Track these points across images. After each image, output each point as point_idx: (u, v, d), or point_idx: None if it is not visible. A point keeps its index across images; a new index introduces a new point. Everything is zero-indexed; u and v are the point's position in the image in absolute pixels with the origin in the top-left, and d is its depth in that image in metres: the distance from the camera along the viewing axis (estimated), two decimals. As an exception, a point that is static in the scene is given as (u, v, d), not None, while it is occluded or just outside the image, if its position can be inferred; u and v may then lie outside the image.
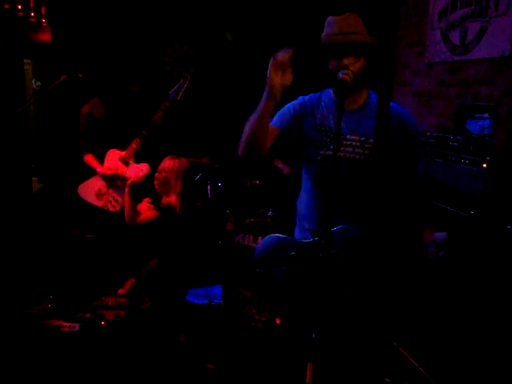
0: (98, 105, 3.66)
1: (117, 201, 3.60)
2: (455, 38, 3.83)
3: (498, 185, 2.73)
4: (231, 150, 4.30)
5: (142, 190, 3.20)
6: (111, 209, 3.61)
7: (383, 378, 2.80)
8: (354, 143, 2.05)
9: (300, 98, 2.21)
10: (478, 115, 3.31)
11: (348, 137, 2.06)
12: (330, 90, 2.17)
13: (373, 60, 2.05)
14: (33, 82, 6.18)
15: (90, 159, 3.65)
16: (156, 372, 2.65)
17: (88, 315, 3.05)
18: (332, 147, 2.05)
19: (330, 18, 2.03)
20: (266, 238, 2.17)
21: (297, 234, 2.29)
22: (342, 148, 2.05)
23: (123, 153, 3.57)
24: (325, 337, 1.46)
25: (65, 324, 3.00)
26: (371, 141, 2.04)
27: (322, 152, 2.07)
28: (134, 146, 3.54)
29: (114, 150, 3.60)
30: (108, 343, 2.90)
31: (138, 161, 3.50)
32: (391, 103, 2.07)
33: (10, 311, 3.25)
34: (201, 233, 4.27)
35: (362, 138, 2.04)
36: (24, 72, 5.18)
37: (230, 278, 3.90)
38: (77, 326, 2.98)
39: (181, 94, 3.57)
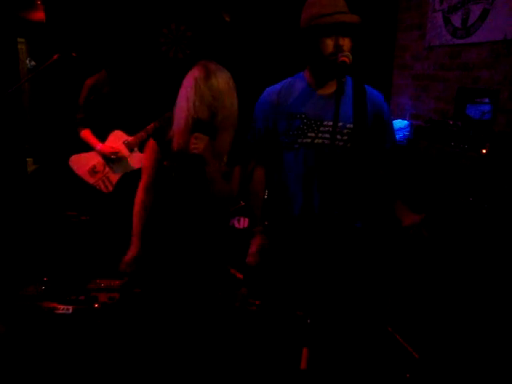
0: (104, 79, 3.59)
1: (111, 182, 3.56)
2: (457, 20, 3.76)
3: (498, 171, 2.70)
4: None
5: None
6: (103, 189, 3.56)
7: (377, 363, 2.81)
8: (331, 129, 2.00)
9: (268, 94, 2.18)
10: (478, 100, 3.27)
11: (325, 123, 2.02)
12: (302, 75, 2.14)
13: (356, 41, 1.99)
14: (27, 61, 6.10)
15: (87, 134, 3.59)
16: (150, 355, 2.63)
17: (82, 297, 3.04)
18: (310, 134, 2.03)
19: None
20: None
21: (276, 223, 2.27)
22: (320, 134, 2.03)
23: (130, 138, 3.52)
24: (320, 321, 1.44)
25: (58, 306, 2.99)
26: (349, 126, 2.01)
27: (300, 140, 2.05)
28: (143, 133, 3.48)
29: (120, 132, 3.54)
30: (101, 326, 2.89)
31: (141, 150, 3.44)
32: (367, 87, 2.05)
33: (3, 292, 3.23)
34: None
35: (340, 124, 1.99)
36: (18, 51, 5.09)
37: (224, 261, 3.88)
38: (70, 308, 2.96)
39: None
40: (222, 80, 2.11)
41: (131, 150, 3.52)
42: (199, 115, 2.04)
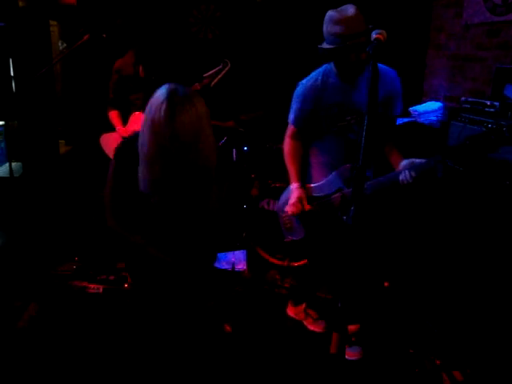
0: (128, 61, 3.60)
1: None
2: (497, -4, 3.62)
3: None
4: (257, 113, 4.23)
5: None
6: None
7: (407, 349, 2.78)
8: (356, 111, 2.48)
9: (307, 89, 2.55)
10: (518, 79, 3.15)
11: (354, 106, 2.48)
12: (331, 69, 2.49)
13: None
14: (59, 43, 6.15)
15: (113, 115, 3.63)
16: (178, 336, 2.65)
17: (112, 277, 3.08)
18: (347, 118, 2.49)
19: (333, 15, 2.27)
20: None
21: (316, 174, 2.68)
22: (349, 117, 2.50)
23: None
24: (352, 306, 1.41)
25: (89, 285, 3.04)
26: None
27: (340, 123, 2.50)
28: None
29: (142, 114, 3.54)
30: (130, 306, 2.92)
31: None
32: (382, 66, 2.40)
33: (36, 272, 3.30)
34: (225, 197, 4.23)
35: (359, 106, 2.45)
36: (50, 33, 5.13)
37: (253, 244, 3.88)
38: (101, 287, 3.01)
39: (216, 80, 3.34)
40: (189, 118, 1.73)
41: None
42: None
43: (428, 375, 2.63)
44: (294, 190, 2.63)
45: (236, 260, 3.79)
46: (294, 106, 2.64)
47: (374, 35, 1.81)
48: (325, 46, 2.35)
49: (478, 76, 3.97)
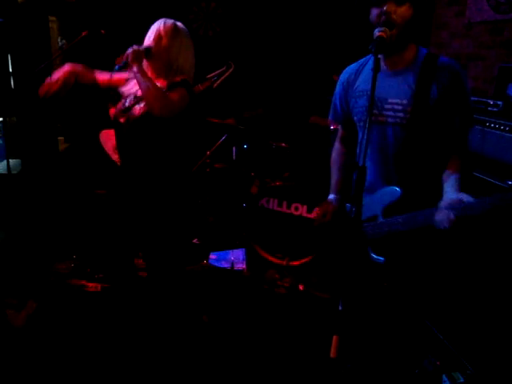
0: None
1: None
2: (500, -6, 3.59)
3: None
4: (257, 110, 4.21)
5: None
6: None
7: (406, 349, 2.75)
8: (395, 106, 1.92)
9: (343, 74, 2.18)
10: (521, 79, 3.12)
11: (390, 100, 1.94)
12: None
13: (419, 8, 1.87)
14: (58, 39, 6.11)
15: (114, 112, 3.60)
16: (176, 335, 2.64)
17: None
18: (374, 111, 1.94)
19: None
20: None
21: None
22: (384, 112, 1.95)
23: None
24: (352, 309, 1.39)
25: (87, 284, 3.02)
26: (404, 102, 1.91)
27: (365, 118, 1.99)
28: None
29: None
30: (129, 304, 2.90)
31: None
32: (441, 58, 1.90)
33: (34, 269, 3.28)
34: (225, 195, 4.21)
35: (404, 101, 1.90)
36: (49, 29, 5.09)
37: (253, 242, 3.85)
38: (99, 286, 2.99)
39: (219, 82, 3.30)
40: (169, 27, 2.42)
41: None
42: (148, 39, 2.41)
43: (428, 376, 2.61)
44: (328, 202, 2.29)
45: (235, 259, 3.77)
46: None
47: (376, 33, 1.78)
48: None
49: (481, 75, 3.94)
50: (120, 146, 2.50)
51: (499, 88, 3.33)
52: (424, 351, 2.75)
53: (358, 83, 2.08)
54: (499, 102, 3.02)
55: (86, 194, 4.29)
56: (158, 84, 2.34)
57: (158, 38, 2.39)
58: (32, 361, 2.60)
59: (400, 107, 1.91)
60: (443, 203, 1.76)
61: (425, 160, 1.96)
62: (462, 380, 2.53)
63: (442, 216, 1.72)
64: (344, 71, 2.19)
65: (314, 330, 2.93)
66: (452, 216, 1.68)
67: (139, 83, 2.26)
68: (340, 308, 1.29)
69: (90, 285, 3.03)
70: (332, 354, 1.28)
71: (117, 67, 2.32)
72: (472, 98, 2.76)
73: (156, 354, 2.58)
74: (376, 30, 1.78)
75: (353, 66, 2.15)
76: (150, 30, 2.45)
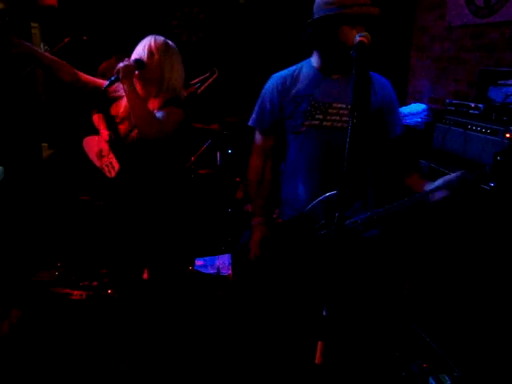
0: (114, 65, 3.57)
1: (113, 167, 3.53)
2: (479, -1, 3.64)
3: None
4: (242, 116, 4.20)
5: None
6: (107, 174, 3.55)
7: (393, 352, 2.76)
8: (341, 111, 1.97)
9: (275, 79, 2.13)
10: (501, 82, 3.15)
11: (334, 105, 1.98)
12: (310, 60, 2.10)
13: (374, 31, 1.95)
14: (41, 46, 6.06)
15: (97, 119, 3.60)
16: (162, 342, 2.62)
17: (95, 283, 3.04)
18: (318, 116, 1.98)
19: None
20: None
21: (286, 214, 2.18)
22: (329, 117, 1.98)
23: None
24: (336, 313, 1.39)
25: (72, 292, 2.99)
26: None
27: (307, 122, 2.01)
28: None
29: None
30: (115, 312, 2.88)
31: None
32: (373, 74, 2.02)
33: (18, 278, 3.24)
34: (210, 201, 4.20)
35: (349, 106, 1.91)
36: (31, 35, 5.05)
37: (239, 248, 3.84)
38: (84, 294, 2.96)
39: (203, 88, 3.30)
40: (160, 44, 2.39)
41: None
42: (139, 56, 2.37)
43: (415, 379, 2.62)
44: (256, 227, 2.16)
45: (221, 264, 3.76)
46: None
47: (357, 38, 1.79)
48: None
49: (462, 78, 3.98)
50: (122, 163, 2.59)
51: (480, 91, 3.37)
52: (411, 354, 2.76)
53: (296, 88, 2.06)
54: (480, 105, 3.06)
55: (70, 201, 4.25)
56: (151, 105, 2.33)
57: (150, 53, 2.36)
58: (16, 370, 2.57)
59: (346, 111, 1.95)
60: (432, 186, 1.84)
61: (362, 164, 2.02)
62: (449, 382, 2.54)
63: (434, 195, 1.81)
64: (274, 76, 2.16)
65: (299, 336, 2.92)
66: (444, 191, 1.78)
67: (130, 103, 2.25)
68: (324, 313, 1.29)
69: (75, 293, 3.00)
70: (317, 360, 1.28)
71: (107, 83, 2.28)
72: (454, 101, 2.83)
73: (141, 362, 2.57)
74: (357, 35, 1.80)
75: (285, 72, 2.13)
76: (139, 46, 2.42)
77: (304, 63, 2.13)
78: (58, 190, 4.61)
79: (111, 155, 3.54)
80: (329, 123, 1.98)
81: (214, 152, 4.05)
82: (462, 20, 3.90)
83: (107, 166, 3.56)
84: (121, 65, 2.24)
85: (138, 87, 2.37)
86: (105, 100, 2.62)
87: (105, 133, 3.54)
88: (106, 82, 2.30)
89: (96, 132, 3.64)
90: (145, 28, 4.64)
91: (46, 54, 2.51)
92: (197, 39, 4.97)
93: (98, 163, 3.56)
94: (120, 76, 2.22)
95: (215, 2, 4.96)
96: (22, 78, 3.34)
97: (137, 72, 2.33)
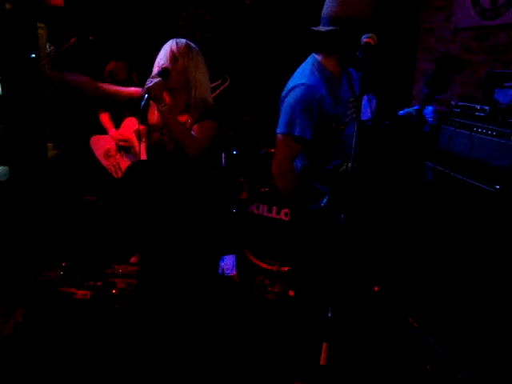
0: (121, 65, 3.58)
1: (120, 168, 3.55)
2: (485, 0, 3.62)
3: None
4: (247, 116, 4.21)
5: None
6: (114, 174, 3.57)
7: (397, 355, 2.76)
8: (352, 104, 2.28)
9: (311, 91, 2.12)
10: (507, 84, 3.14)
11: (351, 99, 2.28)
12: (320, 65, 2.19)
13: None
14: (47, 46, 6.08)
15: (105, 118, 3.61)
16: (166, 342, 2.62)
17: (99, 283, 3.04)
18: (348, 112, 2.25)
19: None
20: None
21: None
22: (349, 111, 2.26)
23: (142, 127, 3.47)
24: (341, 315, 1.39)
25: (77, 292, 2.99)
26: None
27: (342, 121, 2.20)
28: None
29: (134, 119, 3.50)
30: (119, 312, 2.89)
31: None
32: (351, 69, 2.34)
33: (22, 277, 3.25)
34: (214, 201, 4.20)
35: (352, 98, 2.28)
36: (37, 36, 5.07)
37: (243, 248, 3.85)
38: (88, 293, 2.96)
39: (214, 95, 3.30)
40: (182, 47, 2.35)
41: (139, 141, 3.49)
42: (163, 64, 2.31)
43: (418, 380, 2.62)
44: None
45: (225, 265, 3.76)
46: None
47: (363, 39, 1.81)
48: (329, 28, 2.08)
49: (468, 80, 3.97)
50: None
51: (486, 93, 3.36)
52: (414, 356, 2.76)
53: (330, 92, 2.16)
54: (486, 107, 3.05)
55: (75, 201, 4.26)
56: (183, 118, 2.33)
57: (173, 59, 2.30)
58: (21, 369, 2.57)
59: (355, 103, 2.25)
60: None
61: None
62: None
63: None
64: (308, 86, 2.12)
65: (304, 337, 2.93)
66: None
67: (168, 126, 2.26)
68: (329, 315, 1.29)
69: (80, 292, 3.00)
70: (322, 361, 1.28)
71: (142, 106, 2.17)
72: (460, 103, 2.94)
73: (144, 363, 2.57)
74: (363, 36, 1.81)
75: (313, 80, 2.14)
76: (161, 52, 2.35)
77: (317, 68, 2.19)
78: (63, 190, 4.62)
79: (118, 156, 3.56)
80: (354, 115, 2.25)
81: (219, 153, 4.06)
82: (468, 22, 3.89)
83: (114, 166, 3.57)
84: (149, 84, 2.17)
85: (167, 98, 2.33)
86: (118, 103, 2.64)
87: (114, 132, 3.55)
88: (141, 102, 2.17)
89: (102, 132, 3.65)
90: (150, 28, 4.68)
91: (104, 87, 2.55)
92: (202, 40, 4.98)
93: (104, 163, 3.58)
94: (152, 96, 2.16)
95: (221, 2, 4.97)
96: (28, 80, 3.35)
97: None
